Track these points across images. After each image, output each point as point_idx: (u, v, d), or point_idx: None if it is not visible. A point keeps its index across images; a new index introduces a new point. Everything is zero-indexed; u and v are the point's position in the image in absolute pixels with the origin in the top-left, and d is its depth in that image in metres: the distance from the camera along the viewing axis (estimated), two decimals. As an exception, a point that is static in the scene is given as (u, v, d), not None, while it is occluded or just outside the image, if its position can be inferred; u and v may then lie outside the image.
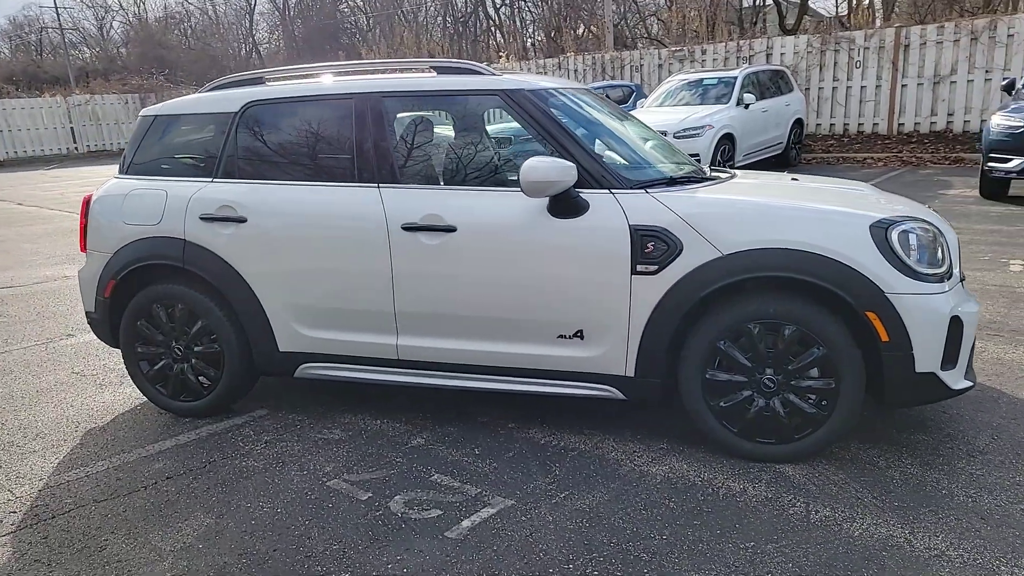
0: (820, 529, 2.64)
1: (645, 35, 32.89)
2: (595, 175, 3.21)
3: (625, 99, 14.58)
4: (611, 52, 18.10)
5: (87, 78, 37.93)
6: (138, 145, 4.00)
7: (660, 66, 16.47)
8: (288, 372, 3.75)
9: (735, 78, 11.66)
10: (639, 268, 3.10)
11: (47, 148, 28.40)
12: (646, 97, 13.57)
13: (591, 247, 3.15)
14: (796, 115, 12.92)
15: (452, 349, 3.45)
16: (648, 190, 3.20)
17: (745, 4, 29.55)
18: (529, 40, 37.35)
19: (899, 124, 13.85)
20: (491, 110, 3.69)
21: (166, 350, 3.87)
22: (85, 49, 49.59)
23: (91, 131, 29.51)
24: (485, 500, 2.96)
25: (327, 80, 3.76)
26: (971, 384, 3.06)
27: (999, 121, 8.46)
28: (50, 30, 46.12)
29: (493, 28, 39.83)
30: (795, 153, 13.03)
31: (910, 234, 2.95)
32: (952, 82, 13.23)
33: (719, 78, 11.96)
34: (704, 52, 16.01)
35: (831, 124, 14.62)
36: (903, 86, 13.72)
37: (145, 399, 4.14)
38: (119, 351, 4.92)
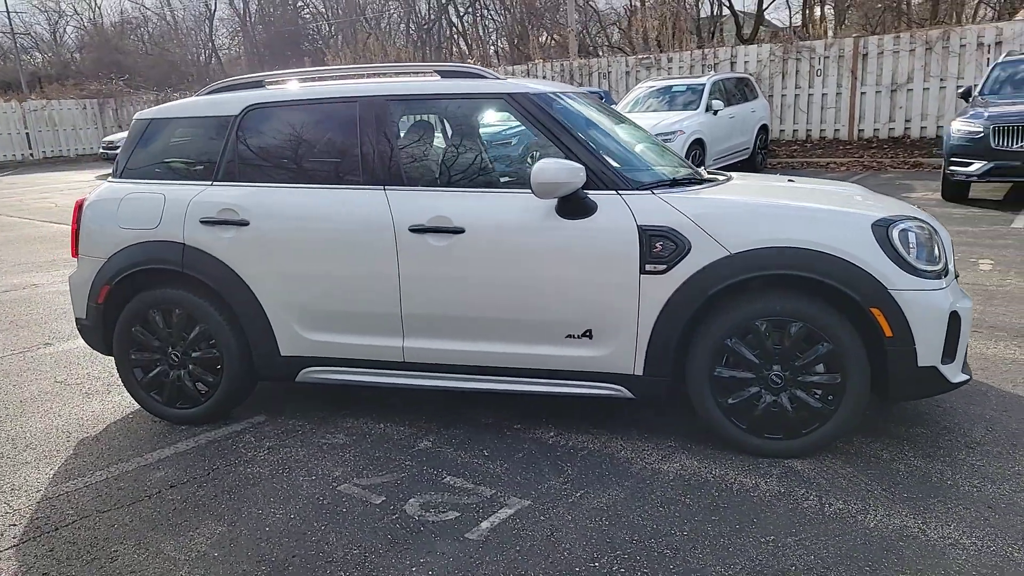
0: (836, 522, 2.70)
1: (606, 43, 33.25)
2: (602, 177, 3.24)
3: (594, 105, 14.69)
4: (579, 59, 18.26)
5: (40, 83, 36.95)
6: (133, 149, 3.92)
7: (627, 73, 16.66)
8: (290, 377, 3.70)
9: (703, 85, 11.85)
10: (648, 268, 3.14)
11: (1, 154, 27.59)
12: (616, 104, 13.71)
13: (600, 248, 3.18)
14: (761, 121, 13.18)
15: (459, 351, 3.45)
16: (654, 191, 3.25)
17: (703, 14, 30.08)
18: (492, 47, 37.50)
19: (859, 130, 14.21)
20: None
21: (162, 356, 3.79)
22: (37, 54, 48.28)
23: (47, 137, 28.72)
24: (501, 501, 2.95)
25: (329, 84, 3.74)
26: (968, 378, 3.16)
27: (959, 127, 8.73)
28: (1, 34, 44.81)
29: (456, 35, 39.83)
30: (761, 158, 13.28)
31: (909, 232, 3.04)
32: (909, 90, 13.62)
33: (688, 85, 12.14)
34: (670, 60, 16.25)
35: (794, 130, 14.94)
36: (862, 93, 14.09)
37: (137, 407, 4.05)
38: (102, 359, 4.87)
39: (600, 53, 27.47)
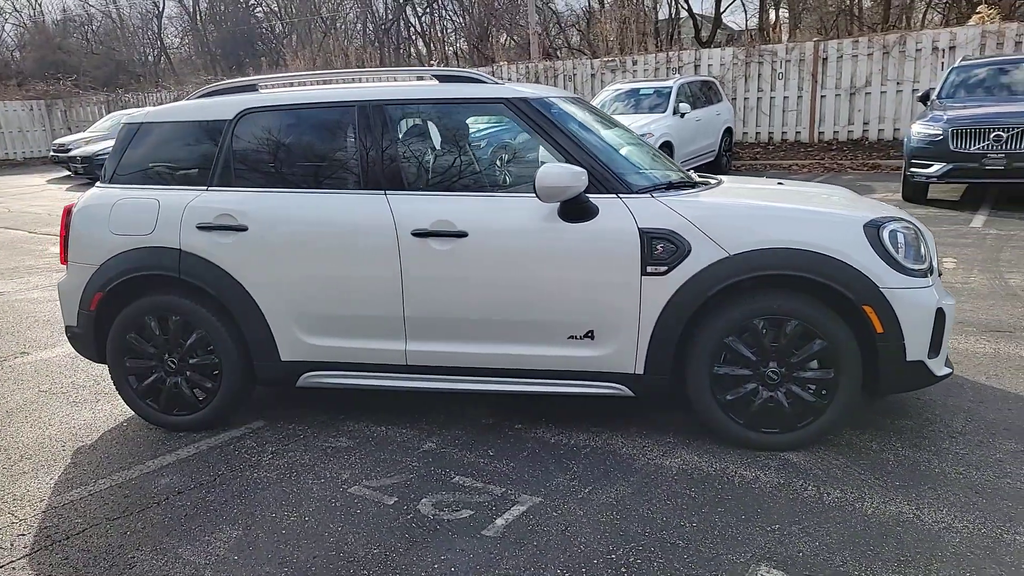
0: (836, 510, 2.83)
1: (566, 45, 33.52)
2: (602, 180, 3.33)
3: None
4: (544, 62, 18.39)
5: (-24, 84, 35.75)
6: (122, 154, 3.88)
7: (593, 76, 16.84)
8: (290, 382, 3.71)
9: (670, 88, 12.04)
10: (649, 269, 3.23)
11: (-58, 157, 26.66)
12: (582, 106, 13.82)
13: (602, 250, 3.27)
14: (726, 124, 13.44)
15: (461, 353, 3.50)
16: (653, 194, 3.35)
17: (661, 17, 30.51)
18: (451, 48, 37.49)
19: (819, 132, 14.58)
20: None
21: (158, 363, 3.77)
22: (-29, 54, 46.71)
23: (-9, 140, 27.85)
24: (512, 498, 3.02)
25: (325, 87, 3.76)
26: (950, 371, 3.33)
27: (919, 130, 9.04)
28: (-66, 32, 43.21)
29: (415, 36, 39.73)
30: (726, 161, 13.54)
31: (898, 233, 3.19)
32: (867, 93, 14.02)
33: (655, 88, 12.32)
34: (635, 63, 16.46)
35: (756, 133, 15.27)
36: (822, 97, 14.46)
37: (130, 415, 4.03)
38: (84, 367, 4.82)
39: (560, 55, 27.65)
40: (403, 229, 3.41)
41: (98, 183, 3.95)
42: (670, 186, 3.55)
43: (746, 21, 32.21)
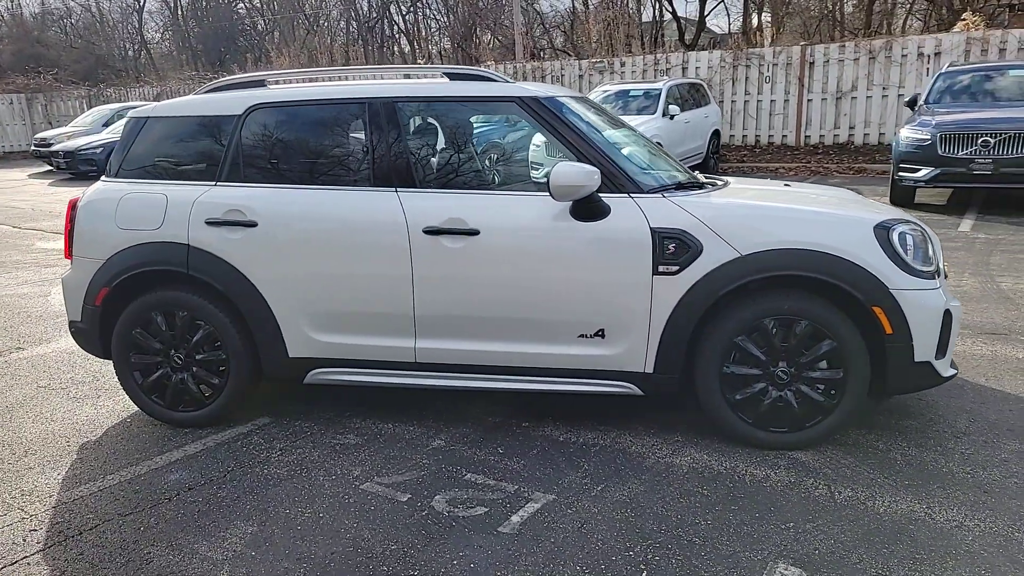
0: (848, 508, 2.86)
1: (549, 46, 33.58)
2: (614, 180, 3.35)
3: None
4: (532, 62, 18.41)
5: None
6: (128, 148, 3.85)
7: (580, 77, 16.88)
8: (297, 378, 3.70)
9: (660, 90, 12.11)
10: (660, 269, 3.25)
11: (-81, 152, 26.22)
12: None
13: (613, 249, 3.29)
14: (714, 126, 13.54)
15: (471, 350, 3.51)
16: (664, 194, 3.37)
17: (644, 19, 30.66)
18: (435, 47, 37.42)
19: (806, 136, 14.73)
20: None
21: (164, 359, 3.74)
22: (-54, 47, 45.94)
23: (-30, 134, 27.42)
24: (526, 496, 3.03)
25: (335, 84, 3.75)
26: (956, 372, 3.38)
27: (908, 134, 9.16)
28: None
29: (398, 34, 39.61)
30: (714, 163, 13.64)
31: (907, 235, 3.24)
32: (853, 97, 14.18)
33: (644, 90, 12.38)
34: (623, 64, 16.53)
35: (743, 135, 15.39)
36: (809, 101, 14.60)
37: (133, 411, 3.99)
38: (82, 362, 4.77)
39: (544, 56, 27.71)
40: (415, 226, 3.41)
41: (103, 177, 3.91)
42: (679, 186, 3.58)
43: (729, 25, 32.44)
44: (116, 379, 3.87)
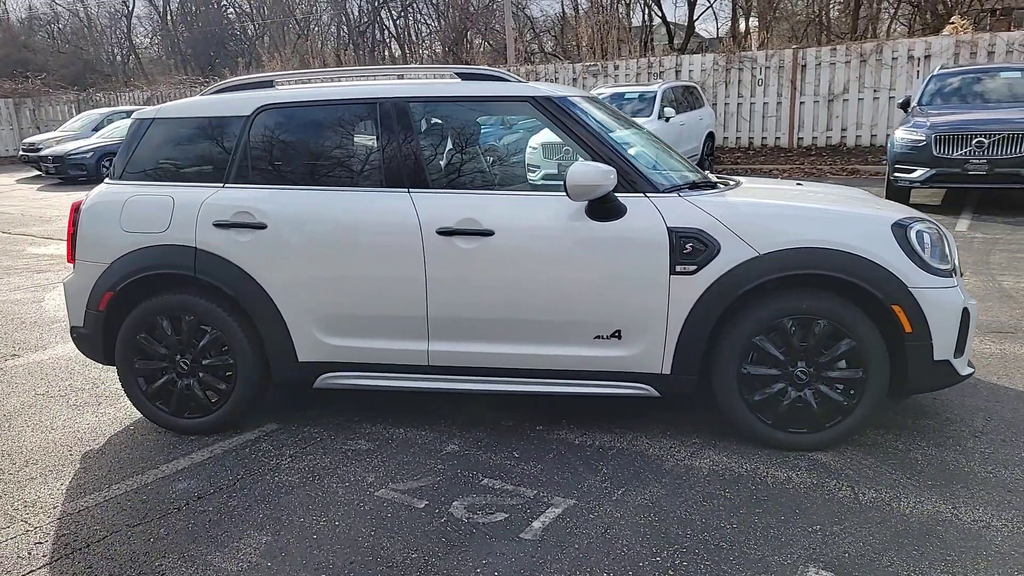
0: (874, 510, 2.82)
1: (540, 50, 33.62)
2: (630, 180, 3.30)
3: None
4: (525, 66, 18.39)
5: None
6: (133, 149, 3.77)
7: (575, 80, 16.88)
8: (307, 383, 3.63)
9: (655, 93, 12.11)
10: (678, 268, 3.21)
11: (-94, 157, 25.87)
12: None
13: (630, 249, 3.24)
14: (708, 129, 13.55)
15: (485, 353, 3.45)
16: (679, 193, 3.33)
17: (634, 24, 30.76)
18: (426, 52, 37.37)
19: (799, 138, 14.77)
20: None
21: (169, 365, 3.66)
22: (-69, 51, 45.42)
23: (-41, 138, 27.12)
24: (546, 501, 2.97)
25: (344, 84, 3.69)
26: (973, 371, 3.35)
27: (902, 136, 9.18)
28: None
29: (389, 38, 39.55)
30: (708, 165, 13.64)
31: (924, 233, 3.21)
32: (845, 100, 14.24)
33: (640, 93, 12.38)
34: (617, 67, 16.54)
35: (737, 138, 15.42)
36: (801, 103, 14.66)
37: (137, 418, 3.91)
38: (80, 369, 4.69)
39: (534, 60, 27.72)
40: (428, 227, 3.35)
41: (107, 179, 3.84)
42: (693, 186, 3.55)
43: (717, 30, 32.57)
44: (117, 386, 3.79)
